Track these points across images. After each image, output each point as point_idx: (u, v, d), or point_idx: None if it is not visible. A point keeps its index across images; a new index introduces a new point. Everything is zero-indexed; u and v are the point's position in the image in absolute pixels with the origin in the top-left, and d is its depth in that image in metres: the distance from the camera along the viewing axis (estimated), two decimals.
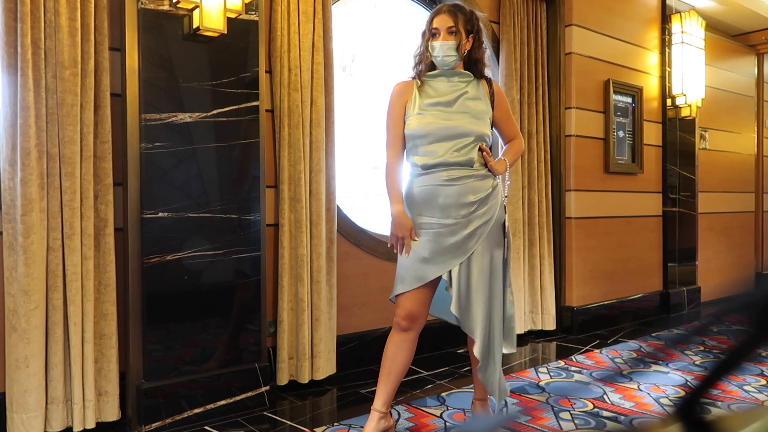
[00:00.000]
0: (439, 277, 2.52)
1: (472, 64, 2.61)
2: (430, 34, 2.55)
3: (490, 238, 2.53)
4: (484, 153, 2.55)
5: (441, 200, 2.50)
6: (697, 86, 5.61)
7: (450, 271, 2.49)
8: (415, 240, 2.51)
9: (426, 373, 3.63)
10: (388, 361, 2.54)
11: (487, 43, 2.65)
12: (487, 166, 2.56)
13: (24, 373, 2.46)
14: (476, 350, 2.50)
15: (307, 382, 3.31)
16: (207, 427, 2.80)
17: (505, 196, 2.66)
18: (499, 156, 2.72)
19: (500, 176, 2.64)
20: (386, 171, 2.61)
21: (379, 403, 2.53)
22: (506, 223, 2.60)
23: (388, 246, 2.61)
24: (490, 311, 2.52)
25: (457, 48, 2.52)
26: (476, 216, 2.50)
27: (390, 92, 2.65)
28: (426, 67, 2.60)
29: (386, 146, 2.62)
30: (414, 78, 2.62)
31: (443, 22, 2.52)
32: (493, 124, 2.67)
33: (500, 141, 2.81)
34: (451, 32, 2.51)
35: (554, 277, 4.70)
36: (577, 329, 4.72)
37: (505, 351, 2.63)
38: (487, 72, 2.67)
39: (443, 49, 2.52)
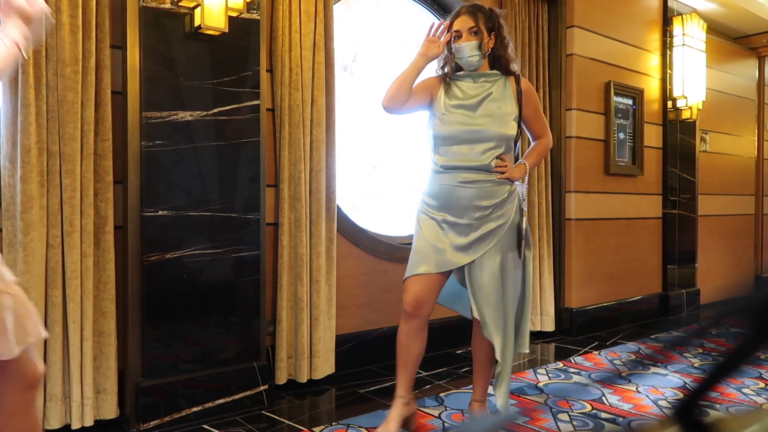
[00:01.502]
0: (449, 272, 2.59)
1: (496, 60, 2.63)
2: (453, 37, 2.59)
3: (505, 240, 2.56)
4: (500, 162, 2.57)
5: (456, 201, 2.55)
6: (697, 88, 5.61)
7: (464, 274, 2.56)
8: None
9: (425, 374, 3.63)
10: (402, 351, 2.61)
11: (509, 38, 2.69)
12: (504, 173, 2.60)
13: None
14: (498, 355, 2.56)
15: (305, 381, 3.31)
16: (205, 426, 2.80)
17: (523, 199, 2.67)
18: (520, 160, 2.73)
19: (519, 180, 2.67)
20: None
21: (402, 389, 2.61)
22: (523, 224, 2.62)
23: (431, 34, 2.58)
24: (505, 313, 2.56)
25: (480, 47, 2.55)
26: (491, 219, 2.54)
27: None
28: (451, 69, 2.63)
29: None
30: (441, 76, 2.64)
31: (464, 23, 2.56)
32: (521, 122, 2.68)
33: (529, 138, 2.84)
34: (472, 32, 2.55)
35: (554, 278, 4.70)
36: (576, 331, 4.72)
37: (522, 350, 2.71)
38: (514, 67, 2.66)
39: (467, 50, 2.55)
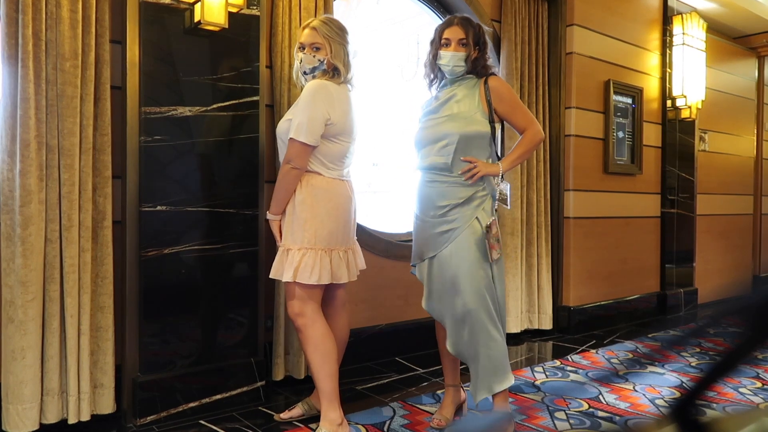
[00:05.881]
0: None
1: (475, 70, 2.73)
2: (441, 43, 2.70)
3: (460, 245, 2.61)
4: (468, 165, 2.62)
5: (422, 198, 2.74)
6: (697, 88, 5.61)
7: (422, 264, 2.76)
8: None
9: (422, 371, 3.63)
10: (443, 343, 2.81)
11: (490, 54, 2.80)
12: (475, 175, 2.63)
13: (20, 365, 2.46)
14: (448, 344, 2.69)
15: (302, 377, 3.31)
16: (202, 421, 2.80)
17: (497, 199, 2.69)
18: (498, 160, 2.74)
19: (497, 179, 2.67)
20: None
21: (449, 378, 2.88)
22: (490, 229, 2.60)
23: None
24: (462, 314, 2.59)
25: (466, 59, 2.68)
26: (445, 220, 2.65)
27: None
28: (433, 73, 2.79)
29: None
30: (428, 86, 2.86)
31: (455, 33, 2.68)
32: (503, 119, 2.75)
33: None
34: (462, 44, 2.68)
35: (551, 276, 4.70)
36: (574, 329, 4.72)
37: (497, 389, 2.63)
38: (489, 70, 2.76)
39: (454, 60, 2.68)
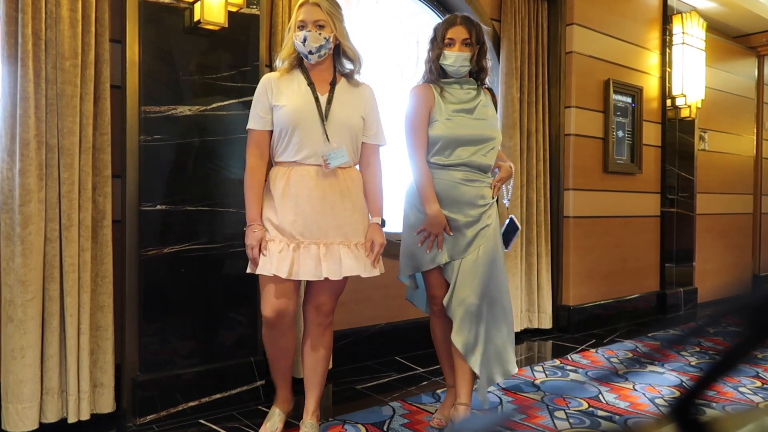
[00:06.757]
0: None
1: (476, 73, 2.76)
2: (444, 43, 2.69)
3: (488, 242, 2.67)
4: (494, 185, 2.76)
5: (456, 197, 2.66)
6: (697, 87, 5.61)
7: (451, 265, 2.66)
8: (449, 234, 2.64)
9: (421, 370, 3.63)
10: (440, 346, 2.84)
11: (489, 54, 2.84)
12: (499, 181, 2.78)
13: (19, 364, 2.46)
14: (454, 338, 2.65)
15: (302, 377, 3.30)
16: (201, 421, 2.80)
17: (508, 199, 2.90)
18: (506, 162, 2.87)
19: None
20: (418, 173, 2.67)
21: (450, 379, 2.83)
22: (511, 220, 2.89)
23: (419, 242, 2.69)
24: (504, 307, 2.69)
25: (471, 59, 2.68)
26: (480, 220, 2.67)
27: (410, 96, 2.74)
28: (437, 72, 2.74)
29: (413, 149, 2.69)
30: (428, 83, 2.75)
31: (459, 33, 2.67)
32: None
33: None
34: (466, 44, 2.68)
35: (551, 276, 4.70)
36: (574, 328, 4.72)
37: (499, 379, 2.73)
38: (488, 81, 2.83)
39: (459, 60, 2.67)
